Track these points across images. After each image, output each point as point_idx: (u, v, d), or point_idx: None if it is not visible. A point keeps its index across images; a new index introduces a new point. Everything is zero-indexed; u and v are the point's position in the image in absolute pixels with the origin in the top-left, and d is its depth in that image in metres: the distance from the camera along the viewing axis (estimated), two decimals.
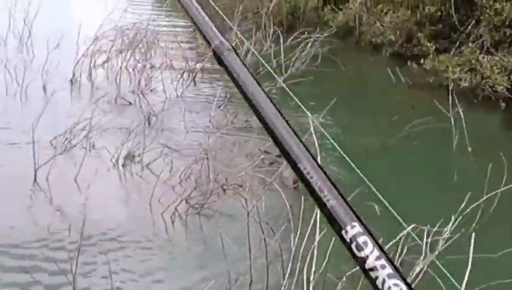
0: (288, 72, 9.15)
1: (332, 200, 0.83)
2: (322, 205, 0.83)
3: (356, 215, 0.82)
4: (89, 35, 9.60)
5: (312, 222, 3.90)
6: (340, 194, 0.84)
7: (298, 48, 9.89)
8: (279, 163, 6.08)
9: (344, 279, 3.65)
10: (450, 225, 3.98)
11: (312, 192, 0.86)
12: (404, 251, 3.85)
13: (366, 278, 0.78)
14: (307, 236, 3.87)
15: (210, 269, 4.57)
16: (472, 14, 9.82)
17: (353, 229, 0.80)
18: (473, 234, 3.84)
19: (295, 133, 1.03)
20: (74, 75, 8.91)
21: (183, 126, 7.16)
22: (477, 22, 9.64)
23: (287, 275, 3.81)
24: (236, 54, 1.17)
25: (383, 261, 0.76)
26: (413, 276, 3.75)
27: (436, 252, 3.85)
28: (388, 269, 0.76)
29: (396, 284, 0.74)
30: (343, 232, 0.81)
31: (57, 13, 13.09)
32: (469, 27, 9.72)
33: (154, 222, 5.22)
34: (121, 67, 9.45)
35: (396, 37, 11.16)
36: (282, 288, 3.77)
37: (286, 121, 1.06)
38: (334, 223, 0.82)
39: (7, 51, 9.57)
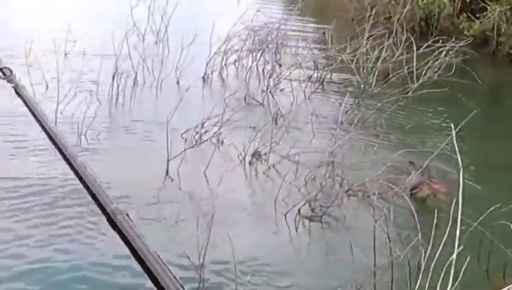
0: (420, 80, 8.88)
1: None
2: None
3: None
4: (221, 34, 9.82)
5: (445, 238, 3.74)
6: None
7: (430, 56, 9.57)
8: (408, 172, 5.91)
9: None
10: None
11: None
12: None
13: None
14: (439, 252, 3.71)
15: (332, 276, 4.51)
16: None
17: None
18: None
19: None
20: (206, 72, 9.15)
21: (310, 128, 7.12)
22: None
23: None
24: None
25: None
26: None
27: None
28: None
29: None
30: None
31: (192, 12, 13.51)
32: None
33: (278, 222, 5.22)
34: (251, 67, 9.60)
35: None
36: None
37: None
38: None
39: (145, 46, 9.97)
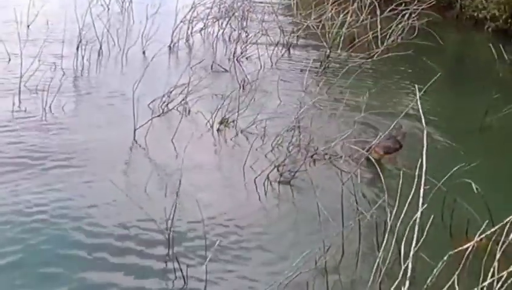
0: (385, 44, 8.95)
1: None
2: None
3: None
4: (187, 2, 9.74)
5: (410, 198, 3.82)
6: None
7: (395, 20, 9.64)
8: (374, 135, 5.99)
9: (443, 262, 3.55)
10: None
11: None
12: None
13: None
14: (404, 211, 3.79)
15: (302, 237, 4.58)
16: None
17: None
18: None
19: None
20: (172, 41, 9.09)
21: (277, 95, 7.15)
22: None
23: (381, 249, 3.76)
24: None
25: None
26: None
27: None
28: None
29: None
30: None
31: None
32: None
33: (247, 187, 5.27)
34: (217, 35, 9.56)
35: (500, 12, 10.67)
36: (377, 260, 3.72)
37: None
38: None
39: (110, 16, 9.84)
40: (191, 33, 9.47)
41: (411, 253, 3.42)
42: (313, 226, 4.53)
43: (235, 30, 9.69)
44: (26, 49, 7.18)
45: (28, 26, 9.06)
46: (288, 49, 9.39)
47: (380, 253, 3.73)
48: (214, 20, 9.90)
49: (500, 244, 3.73)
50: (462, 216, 4.65)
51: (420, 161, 3.81)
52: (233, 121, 6.33)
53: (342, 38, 9.37)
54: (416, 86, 4.28)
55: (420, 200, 3.58)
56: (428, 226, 3.72)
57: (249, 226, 4.73)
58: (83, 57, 7.85)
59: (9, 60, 7.53)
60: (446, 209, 4.72)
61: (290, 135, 5.80)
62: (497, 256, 3.58)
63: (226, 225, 4.70)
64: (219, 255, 4.16)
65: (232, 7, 10.29)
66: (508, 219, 3.64)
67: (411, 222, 3.64)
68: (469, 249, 3.54)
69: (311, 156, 5.64)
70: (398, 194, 3.95)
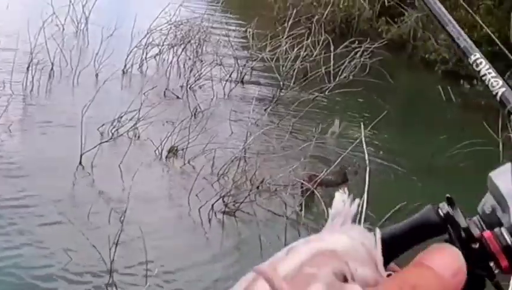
0: (337, 80, 9.10)
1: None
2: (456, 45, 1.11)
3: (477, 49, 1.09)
4: (143, 27, 9.73)
5: None
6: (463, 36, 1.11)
7: (347, 56, 9.82)
8: (322, 168, 6.05)
9: None
10: None
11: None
12: None
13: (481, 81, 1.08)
14: None
15: (245, 270, 4.56)
16: None
17: (474, 56, 1.09)
18: None
19: None
20: (125, 65, 9.04)
21: (228, 124, 7.17)
22: None
23: None
24: None
25: (490, 70, 1.07)
26: None
27: None
28: (493, 73, 1.06)
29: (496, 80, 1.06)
30: (469, 59, 1.09)
31: (114, 3, 13.32)
32: None
33: (191, 217, 5.24)
34: (172, 62, 9.56)
35: (449, 55, 11.00)
36: None
37: None
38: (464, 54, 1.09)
39: (64, 36, 9.75)
40: (145, 58, 9.43)
41: None
42: (256, 260, 4.53)
43: (189, 58, 9.71)
44: None
45: None
46: (242, 80, 9.46)
47: None
48: (169, 47, 9.90)
49: None
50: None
51: (362, 198, 3.88)
52: (182, 149, 6.31)
53: (295, 72, 9.49)
54: (362, 124, 4.36)
55: None
56: None
57: (191, 256, 4.70)
58: (33, 78, 7.73)
59: None
60: None
61: (237, 165, 5.81)
62: None
63: (169, 254, 4.67)
64: (158, 284, 4.12)
65: (188, 35, 10.32)
66: None
67: None
68: None
69: (257, 188, 5.66)
70: None
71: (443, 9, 1.17)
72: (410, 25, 12.44)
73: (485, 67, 1.10)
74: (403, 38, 12.63)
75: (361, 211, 3.86)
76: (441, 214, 0.82)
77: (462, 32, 1.15)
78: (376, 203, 4.88)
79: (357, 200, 0.53)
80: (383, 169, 6.50)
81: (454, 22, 1.15)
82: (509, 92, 1.08)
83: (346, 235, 0.47)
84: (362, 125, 4.37)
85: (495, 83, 1.09)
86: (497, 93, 1.09)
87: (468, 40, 1.14)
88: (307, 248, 0.45)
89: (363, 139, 4.22)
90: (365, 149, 4.12)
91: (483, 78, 1.09)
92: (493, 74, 1.09)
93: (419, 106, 9.73)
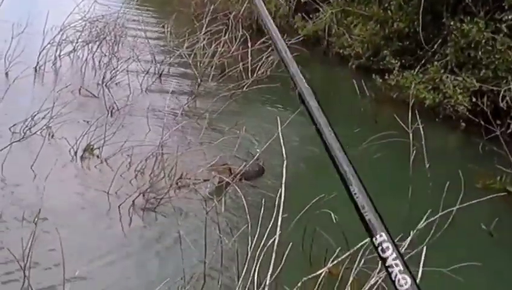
0: (255, 75, 9.18)
1: (370, 215, 1.13)
2: (362, 217, 1.13)
3: (385, 227, 1.11)
4: (56, 24, 9.47)
5: (271, 225, 3.92)
6: (375, 210, 1.14)
7: (265, 52, 9.92)
8: (241, 162, 6.09)
9: (299, 284, 3.68)
10: (408, 239, 4.05)
11: (356, 208, 1.15)
12: (362, 262, 3.90)
13: (386, 272, 1.07)
14: (264, 240, 3.87)
15: (164, 267, 4.55)
16: (439, 33, 10.01)
17: (380, 238, 1.10)
18: (424, 249, 3.93)
19: (343, 150, 1.26)
20: (38, 63, 8.78)
21: (145, 122, 7.09)
22: (443, 42, 9.82)
23: (241, 278, 3.81)
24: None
25: (397, 261, 1.06)
26: (367, 287, 3.79)
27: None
28: (400, 267, 1.06)
29: (404, 278, 1.04)
30: (374, 239, 1.10)
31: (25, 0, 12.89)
32: (436, 46, 9.90)
33: (110, 215, 5.16)
34: (87, 59, 9.36)
35: (363, 50, 11.31)
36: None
37: (335, 134, 1.31)
38: (369, 231, 1.12)
39: None
40: (59, 56, 9.19)
41: (267, 281, 3.50)
42: (176, 256, 4.51)
43: (105, 55, 9.53)
44: None
45: None
46: (160, 77, 9.38)
47: (240, 282, 3.78)
48: (84, 44, 9.69)
49: (353, 270, 3.92)
50: (321, 245, 4.82)
51: (280, 190, 3.95)
52: (99, 148, 6.19)
53: (213, 68, 9.50)
54: (278, 117, 4.42)
55: (278, 229, 3.68)
56: (285, 254, 3.83)
57: (110, 255, 4.63)
58: None
59: None
60: (307, 238, 4.87)
61: (155, 162, 5.76)
62: (350, 281, 3.76)
63: (87, 255, 4.57)
64: (76, 286, 4.03)
65: (103, 31, 10.12)
66: (359, 245, 3.84)
67: (270, 250, 3.74)
68: (322, 275, 3.68)
69: (176, 183, 5.63)
70: (259, 223, 4.04)
71: None
72: (325, 21, 12.69)
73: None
74: (319, 34, 12.87)
75: (279, 204, 3.93)
76: None
77: None
78: (293, 196, 4.96)
79: None
80: (299, 162, 6.62)
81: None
82: None
83: None
84: (278, 120, 4.42)
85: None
86: None
87: None
88: None
89: (280, 133, 4.28)
90: (282, 143, 4.17)
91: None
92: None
93: (334, 99, 9.95)
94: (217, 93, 8.44)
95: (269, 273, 3.56)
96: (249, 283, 3.77)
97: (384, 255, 1.07)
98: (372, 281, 3.73)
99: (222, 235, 4.41)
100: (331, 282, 3.90)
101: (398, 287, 1.03)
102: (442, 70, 9.31)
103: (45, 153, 5.79)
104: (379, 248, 1.08)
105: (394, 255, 1.06)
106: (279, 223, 3.72)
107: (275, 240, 3.67)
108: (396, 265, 1.05)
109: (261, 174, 6.02)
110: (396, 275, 1.04)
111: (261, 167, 6.07)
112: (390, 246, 1.08)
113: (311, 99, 1.30)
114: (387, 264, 1.06)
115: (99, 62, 9.38)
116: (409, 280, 1.04)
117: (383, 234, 1.09)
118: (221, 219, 4.75)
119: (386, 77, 9.74)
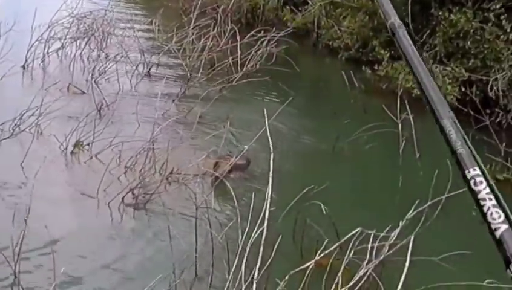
0: (244, 69, 9.15)
1: (461, 149, 1.15)
2: (453, 152, 1.16)
3: (477, 162, 1.12)
4: (44, 21, 9.41)
5: (260, 218, 3.92)
6: (468, 145, 1.16)
7: (254, 46, 9.90)
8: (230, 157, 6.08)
9: (287, 278, 3.68)
10: (398, 229, 4.07)
11: (447, 141, 1.18)
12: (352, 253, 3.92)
13: (477, 206, 1.07)
14: (254, 233, 3.88)
15: (155, 263, 4.55)
16: (427, 24, 10.01)
17: (474, 171, 1.11)
18: (412, 238, 3.95)
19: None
20: (26, 60, 8.74)
21: (135, 117, 7.08)
22: (432, 32, 9.83)
23: (232, 271, 3.81)
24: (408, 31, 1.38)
25: (491, 196, 1.07)
26: (357, 278, 3.80)
27: (381, 257, 3.95)
28: (493, 201, 1.06)
29: (497, 212, 1.05)
30: (466, 172, 1.11)
31: None
32: (424, 36, 9.91)
33: (100, 211, 5.15)
34: (75, 56, 9.32)
35: (352, 42, 11.30)
36: (227, 283, 3.77)
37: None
38: (460, 166, 1.14)
39: None
40: (47, 53, 9.14)
41: (255, 275, 3.50)
42: (167, 250, 4.51)
43: (93, 51, 9.49)
44: None
45: None
46: (149, 72, 9.34)
47: (231, 275, 3.78)
48: (72, 41, 9.64)
49: (344, 260, 3.94)
50: (312, 236, 4.83)
51: (268, 183, 3.95)
52: (88, 144, 6.17)
53: (202, 62, 9.47)
54: (265, 110, 4.41)
55: (265, 222, 3.68)
56: (276, 246, 3.84)
57: (101, 252, 4.63)
58: None
59: None
60: (297, 230, 4.88)
61: (145, 158, 5.75)
62: (340, 272, 3.77)
63: (77, 252, 4.57)
64: (67, 284, 4.03)
65: (91, 27, 10.08)
66: (346, 237, 3.85)
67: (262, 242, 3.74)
68: (310, 268, 3.70)
69: (167, 179, 5.62)
70: (249, 216, 4.05)
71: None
72: (314, 13, 12.67)
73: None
74: (308, 27, 12.85)
75: (267, 197, 3.93)
76: None
77: None
78: (282, 188, 4.98)
79: None
80: (289, 153, 6.63)
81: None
82: None
83: None
84: (265, 112, 4.41)
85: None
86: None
87: None
88: None
89: (267, 125, 4.27)
90: (269, 135, 4.17)
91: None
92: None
93: (324, 91, 9.96)
94: (207, 87, 8.42)
95: (257, 266, 3.56)
96: (239, 276, 3.77)
97: (476, 189, 1.09)
98: (361, 272, 3.75)
99: (212, 229, 4.41)
100: (320, 273, 3.91)
101: (491, 220, 1.04)
102: (431, 61, 9.32)
103: (34, 150, 5.79)
104: (472, 181, 1.10)
105: (488, 189, 1.08)
106: (267, 215, 3.72)
107: (262, 232, 3.67)
108: (490, 199, 1.06)
109: (248, 165, 6.05)
110: (489, 208, 1.05)
111: (247, 158, 6.09)
112: (484, 181, 1.09)
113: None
114: (479, 197, 1.07)
115: (88, 59, 9.34)
116: (502, 215, 1.05)
117: (476, 168, 1.11)
118: (212, 213, 4.75)
119: (375, 68, 9.75)
